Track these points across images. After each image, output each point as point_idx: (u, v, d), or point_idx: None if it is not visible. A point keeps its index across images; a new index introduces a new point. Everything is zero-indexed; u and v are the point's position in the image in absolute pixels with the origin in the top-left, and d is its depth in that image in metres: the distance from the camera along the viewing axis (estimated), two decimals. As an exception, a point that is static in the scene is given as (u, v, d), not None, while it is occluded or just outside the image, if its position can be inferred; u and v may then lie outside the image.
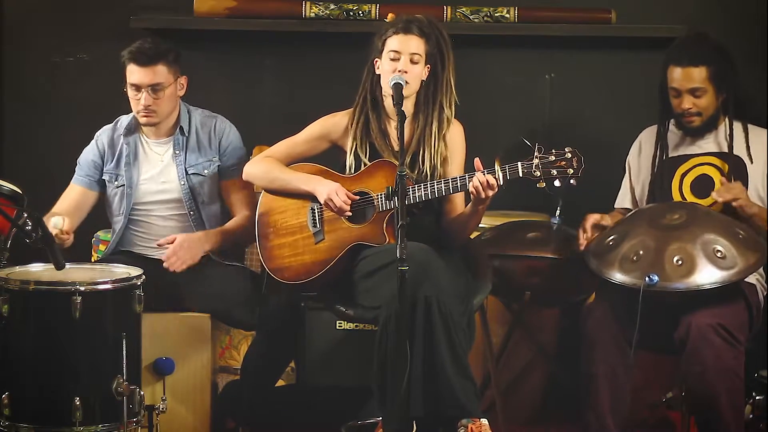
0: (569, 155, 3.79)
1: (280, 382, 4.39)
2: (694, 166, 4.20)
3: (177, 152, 4.27)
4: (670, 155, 4.23)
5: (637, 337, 3.80)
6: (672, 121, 4.25)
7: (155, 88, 4.16)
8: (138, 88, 4.17)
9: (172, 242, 4.14)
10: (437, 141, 4.00)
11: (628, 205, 4.31)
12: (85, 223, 4.36)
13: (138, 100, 4.18)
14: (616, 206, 4.36)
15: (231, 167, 4.29)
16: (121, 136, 4.31)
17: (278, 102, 5.12)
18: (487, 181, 3.75)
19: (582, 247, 4.10)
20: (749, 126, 4.18)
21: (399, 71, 3.91)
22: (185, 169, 4.27)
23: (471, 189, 3.78)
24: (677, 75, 4.10)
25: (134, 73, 4.17)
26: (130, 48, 4.18)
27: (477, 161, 3.80)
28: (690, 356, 3.82)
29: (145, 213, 4.30)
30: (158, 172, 4.29)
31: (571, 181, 3.80)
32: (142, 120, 4.23)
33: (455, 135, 4.04)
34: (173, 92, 4.21)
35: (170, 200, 4.29)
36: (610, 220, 4.16)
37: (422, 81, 4.00)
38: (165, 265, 4.10)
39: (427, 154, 3.98)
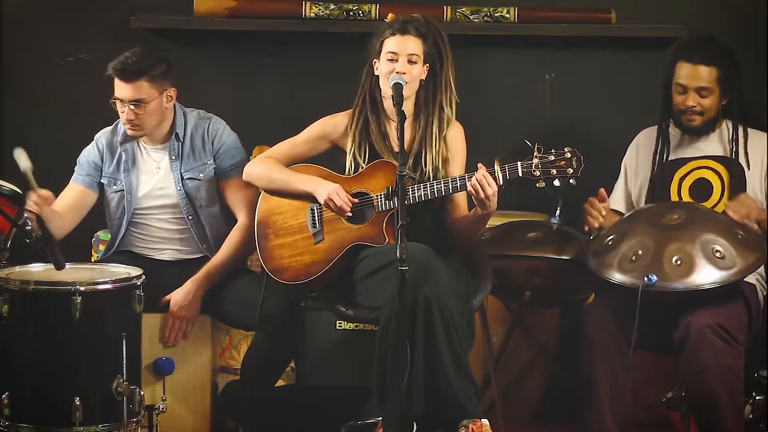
0: (569, 155, 3.79)
1: (280, 382, 4.39)
2: (693, 170, 4.20)
3: (173, 158, 4.26)
4: (668, 158, 4.23)
5: (636, 337, 3.80)
6: (671, 121, 4.24)
7: (136, 104, 4.13)
8: (122, 102, 4.16)
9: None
10: (438, 141, 3.99)
11: (620, 208, 4.30)
12: (85, 223, 4.36)
13: (123, 113, 4.17)
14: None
15: (227, 168, 4.27)
16: (119, 142, 4.29)
17: (278, 102, 5.12)
18: (485, 178, 3.75)
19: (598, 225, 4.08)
20: (749, 130, 4.18)
21: (397, 72, 3.91)
22: (181, 175, 4.25)
23: (469, 188, 3.77)
24: (687, 71, 4.10)
25: (118, 88, 4.14)
26: (114, 61, 4.13)
27: (480, 166, 3.79)
28: (689, 356, 3.82)
29: (144, 216, 4.29)
30: (156, 179, 4.28)
31: (571, 181, 3.79)
32: (128, 132, 4.21)
33: (456, 135, 4.04)
34: (158, 106, 4.17)
35: (168, 205, 4.27)
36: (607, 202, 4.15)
37: (421, 81, 4.00)
38: (168, 342, 4.11)
39: (429, 155, 3.98)
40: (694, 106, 4.11)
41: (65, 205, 4.24)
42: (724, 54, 4.12)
